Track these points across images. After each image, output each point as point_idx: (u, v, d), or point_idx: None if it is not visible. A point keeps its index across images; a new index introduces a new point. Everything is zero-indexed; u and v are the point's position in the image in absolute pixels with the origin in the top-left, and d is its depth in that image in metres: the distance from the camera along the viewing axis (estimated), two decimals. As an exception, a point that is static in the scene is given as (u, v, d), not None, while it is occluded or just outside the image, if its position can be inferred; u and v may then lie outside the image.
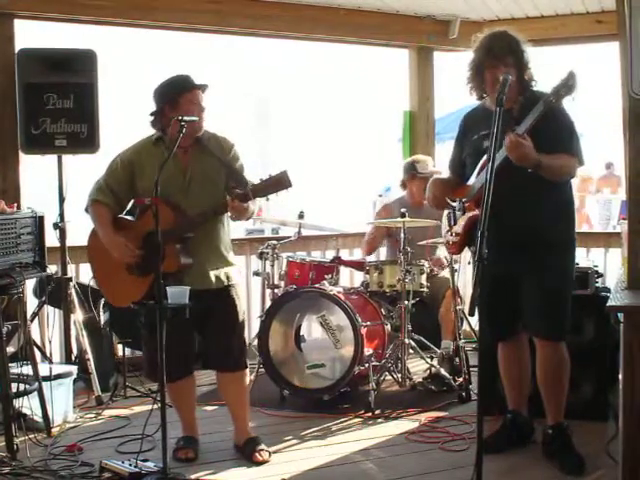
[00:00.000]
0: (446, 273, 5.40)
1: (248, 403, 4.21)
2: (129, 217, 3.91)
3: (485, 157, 3.69)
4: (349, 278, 6.54)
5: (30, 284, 5.07)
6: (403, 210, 5.20)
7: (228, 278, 4.02)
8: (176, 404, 4.20)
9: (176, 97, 3.88)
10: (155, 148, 3.97)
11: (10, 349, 4.44)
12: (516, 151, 3.54)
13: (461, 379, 5.01)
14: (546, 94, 3.59)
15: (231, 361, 4.07)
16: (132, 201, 3.93)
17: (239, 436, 4.16)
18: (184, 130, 3.63)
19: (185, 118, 3.67)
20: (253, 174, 3.96)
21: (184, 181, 3.94)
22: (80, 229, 4.42)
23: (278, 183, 3.73)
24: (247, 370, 4.16)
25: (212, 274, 3.96)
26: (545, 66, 4.20)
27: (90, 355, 5.07)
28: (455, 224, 4.01)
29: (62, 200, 5.24)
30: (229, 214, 3.95)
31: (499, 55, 3.74)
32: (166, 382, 4.03)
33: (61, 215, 5.22)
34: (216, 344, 4.05)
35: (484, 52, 3.79)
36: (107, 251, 3.96)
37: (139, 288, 3.86)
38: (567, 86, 3.49)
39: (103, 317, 5.33)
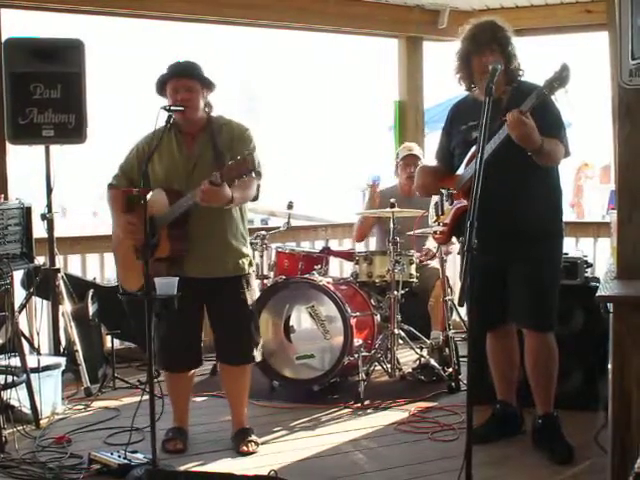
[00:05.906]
0: (435, 264, 5.39)
1: (247, 395, 4.19)
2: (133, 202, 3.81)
3: (474, 148, 3.68)
4: (338, 268, 6.54)
5: (18, 275, 5.04)
6: (392, 200, 5.19)
7: (235, 268, 3.95)
8: (171, 394, 4.18)
9: (163, 85, 3.88)
10: (167, 135, 3.92)
11: (-2, 341, 4.43)
12: (518, 129, 3.51)
13: (451, 369, 5.02)
14: (537, 85, 3.59)
15: (235, 356, 4.05)
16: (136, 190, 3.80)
17: (233, 426, 4.16)
18: (171, 120, 3.63)
19: (172, 108, 3.68)
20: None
21: (188, 168, 3.90)
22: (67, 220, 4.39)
23: (239, 167, 3.54)
24: (251, 365, 4.14)
25: (214, 263, 3.90)
26: (534, 56, 4.19)
27: (79, 346, 5.05)
28: (442, 214, 4.01)
29: (50, 191, 5.21)
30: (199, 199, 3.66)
31: (483, 42, 3.76)
32: (166, 372, 4.08)
33: (49, 206, 5.19)
34: (222, 337, 4.04)
35: (469, 40, 3.81)
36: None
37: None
38: (560, 78, 3.48)
39: (92, 308, 5.31)
